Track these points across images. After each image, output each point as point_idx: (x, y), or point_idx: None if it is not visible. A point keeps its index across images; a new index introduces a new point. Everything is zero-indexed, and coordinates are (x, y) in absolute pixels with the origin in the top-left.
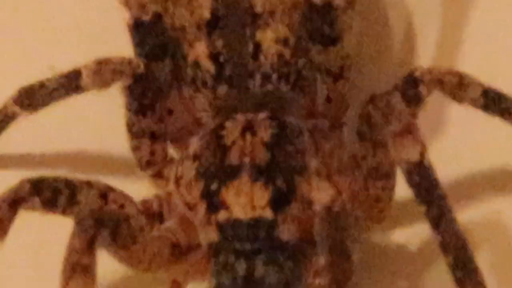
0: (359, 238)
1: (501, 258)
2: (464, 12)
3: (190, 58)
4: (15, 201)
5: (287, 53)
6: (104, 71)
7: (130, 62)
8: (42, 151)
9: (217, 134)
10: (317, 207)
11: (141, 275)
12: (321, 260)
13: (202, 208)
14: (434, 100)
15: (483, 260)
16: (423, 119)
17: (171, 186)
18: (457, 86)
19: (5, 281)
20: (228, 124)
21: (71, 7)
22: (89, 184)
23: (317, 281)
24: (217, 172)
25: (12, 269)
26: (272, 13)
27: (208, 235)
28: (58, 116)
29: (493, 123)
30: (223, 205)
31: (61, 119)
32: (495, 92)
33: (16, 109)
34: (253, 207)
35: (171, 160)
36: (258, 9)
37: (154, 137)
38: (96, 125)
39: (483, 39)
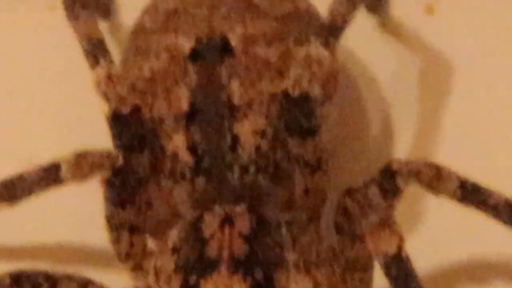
0: None
1: None
2: (441, 104)
3: (169, 150)
4: None
5: (264, 145)
6: (83, 164)
7: (108, 155)
8: (21, 244)
9: (195, 226)
10: None
11: None
12: None
13: None
14: (412, 191)
15: None
16: (400, 210)
17: (151, 279)
18: (434, 179)
19: None
20: (206, 216)
21: (49, 99)
22: (68, 277)
23: None
24: (195, 265)
25: None
26: (249, 105)
27: None
28: (37, 208)
29: (470, 214)
30: None
31: (39, 211)
32: (472, 184)
33: None
34: None
35: (151, 252)
36: (236, 101)
37: (133, 229)
38: (75, 217)
39: (460, 131)
